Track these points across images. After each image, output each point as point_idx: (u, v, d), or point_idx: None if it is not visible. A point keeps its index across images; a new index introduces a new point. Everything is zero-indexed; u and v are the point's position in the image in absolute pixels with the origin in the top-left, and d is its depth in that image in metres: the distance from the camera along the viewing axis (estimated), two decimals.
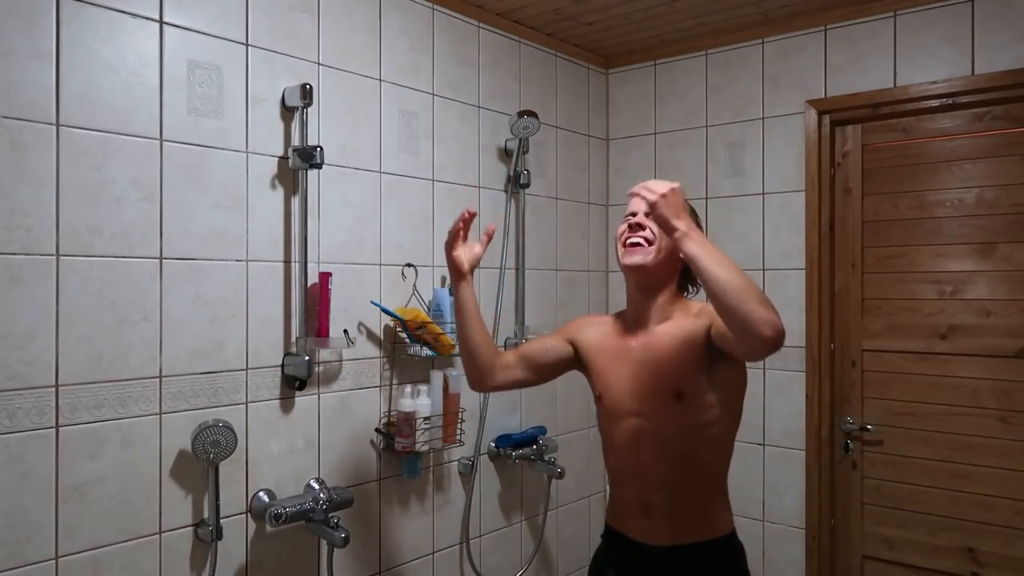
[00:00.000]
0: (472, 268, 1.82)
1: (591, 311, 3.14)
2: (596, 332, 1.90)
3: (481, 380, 1.88)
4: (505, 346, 2.72)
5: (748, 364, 1.79)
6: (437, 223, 2.48)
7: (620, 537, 1.81)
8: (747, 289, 1.42)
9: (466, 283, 1.82)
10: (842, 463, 2.70)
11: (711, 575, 1.71)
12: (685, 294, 1.82)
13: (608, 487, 1.88)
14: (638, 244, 1.73)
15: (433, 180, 2.46)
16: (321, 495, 2.02)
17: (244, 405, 1.96)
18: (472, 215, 1.80)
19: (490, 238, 1.88)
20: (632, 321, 1.83)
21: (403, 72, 2.36)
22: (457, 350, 2.40)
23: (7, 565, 1.56)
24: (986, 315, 2.45)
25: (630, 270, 1.76)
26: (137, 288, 1.75)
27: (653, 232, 1.71)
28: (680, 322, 1.73)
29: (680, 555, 1.71)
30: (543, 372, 1.96)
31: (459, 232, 1.79)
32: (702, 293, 1.61)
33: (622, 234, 1.77)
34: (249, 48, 1.97)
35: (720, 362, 1.68)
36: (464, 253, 1.81)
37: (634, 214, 1.75)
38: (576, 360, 1.95)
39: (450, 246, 1.79)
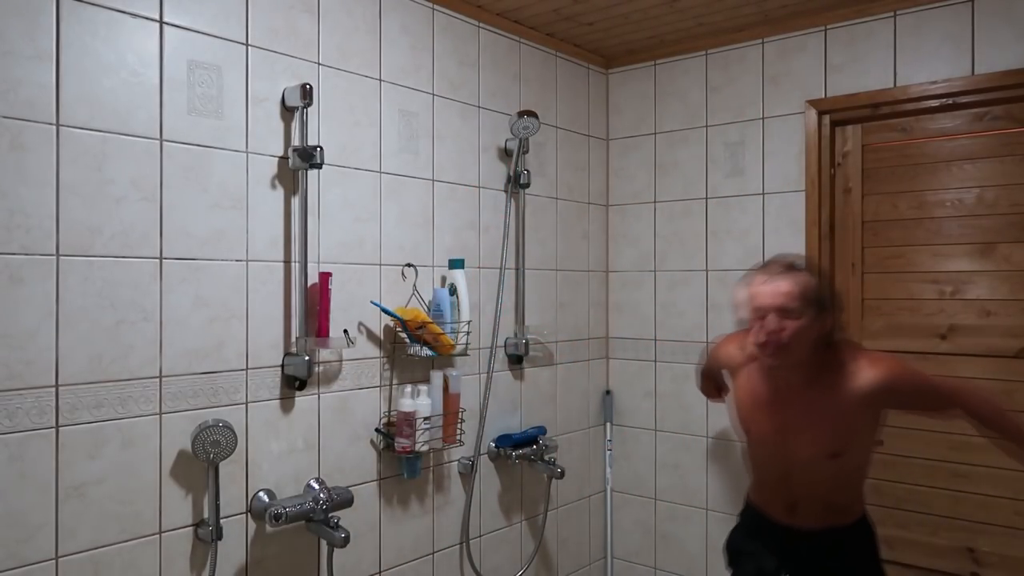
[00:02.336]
0: None
1: (591, 311, 3.14)
2: (741, 371, 2.03)
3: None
4: (505, 346, 2.73)
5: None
6: (437, 223, 2.48)
7: (764, 517, 2.01)
8: None
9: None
10: None
11: (843, 551, 1.91)
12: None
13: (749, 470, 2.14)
14: (771, 342, 1.78)
15: (433, 180, 2.46)
16: (321, 495, 2.02)
17: (244, 405, 1.96)
18: None
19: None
20: (778, 376, 1.92)
21: (403, 72, 2.36)
22: (457, 350, 2.42)
23: (7, 565, 1.56)
24: (986, 315, 2.45)
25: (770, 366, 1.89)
26: (137, 288, 1.75)
27: (785, 333, 1.76)
28: (839, 393, 1.81)
29: (819, 535, 1.91)
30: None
31: None
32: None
33: (754, 333, 1.82)
34: (249, 48, 1.97)
35: (879, 415, 1.85)
36: None
37: (762, 314, 1.79)
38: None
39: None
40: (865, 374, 1.79)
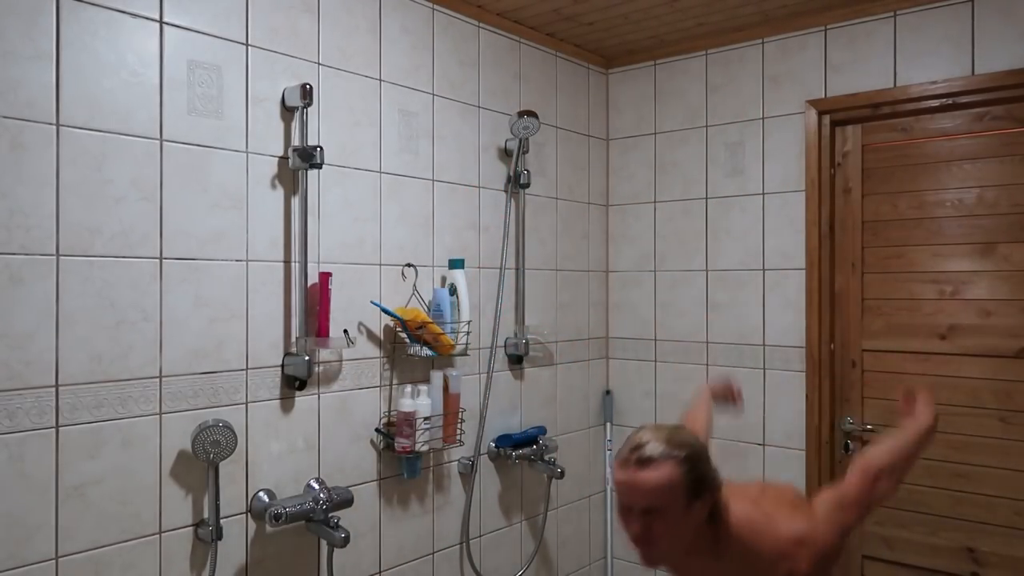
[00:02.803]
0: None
1: (591, 311, 3.14)
2: None
3: None
4: (505, 346, 2.73)
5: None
6: (437, 223, 2.48)
7: None
8: None
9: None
10: (842, 463, 2.70)
11: None
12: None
13: None
14: (640, 545, 1.52)
15: (433, 180, 2.46)
16: (321, 495, 2.02)
17: (244, 405, 1.96)
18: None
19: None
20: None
21: (403, 72, 2.36)
22: (457, 350, 2.42)
23: (7, 565, 1.56)
24: (986, 315, 2.44)
25: None
26: (137, 288, 1.75)
27: (652, 535, 1.49)
28: (755, 566, 1.54)
29: None
30: None
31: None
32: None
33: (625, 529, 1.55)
34: (249, 48, 1.96)
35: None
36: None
37: (629, 508, 1.50)
38: None
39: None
40: (788, 552, 1.54)
